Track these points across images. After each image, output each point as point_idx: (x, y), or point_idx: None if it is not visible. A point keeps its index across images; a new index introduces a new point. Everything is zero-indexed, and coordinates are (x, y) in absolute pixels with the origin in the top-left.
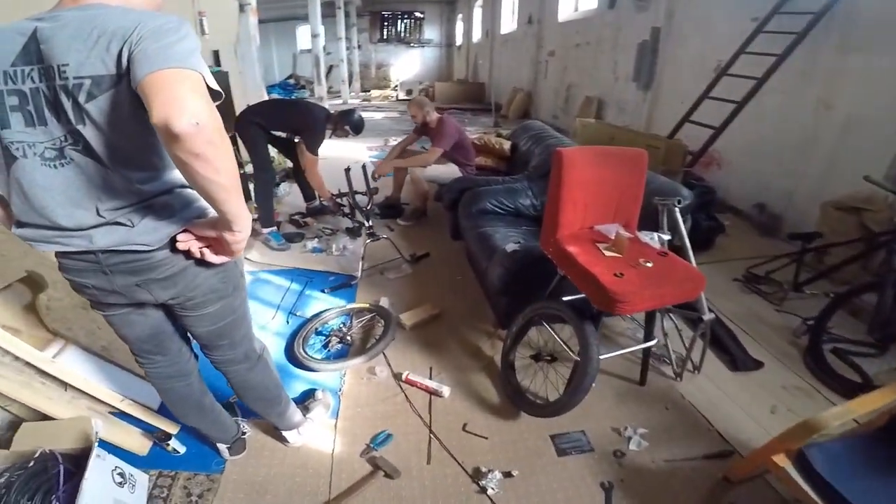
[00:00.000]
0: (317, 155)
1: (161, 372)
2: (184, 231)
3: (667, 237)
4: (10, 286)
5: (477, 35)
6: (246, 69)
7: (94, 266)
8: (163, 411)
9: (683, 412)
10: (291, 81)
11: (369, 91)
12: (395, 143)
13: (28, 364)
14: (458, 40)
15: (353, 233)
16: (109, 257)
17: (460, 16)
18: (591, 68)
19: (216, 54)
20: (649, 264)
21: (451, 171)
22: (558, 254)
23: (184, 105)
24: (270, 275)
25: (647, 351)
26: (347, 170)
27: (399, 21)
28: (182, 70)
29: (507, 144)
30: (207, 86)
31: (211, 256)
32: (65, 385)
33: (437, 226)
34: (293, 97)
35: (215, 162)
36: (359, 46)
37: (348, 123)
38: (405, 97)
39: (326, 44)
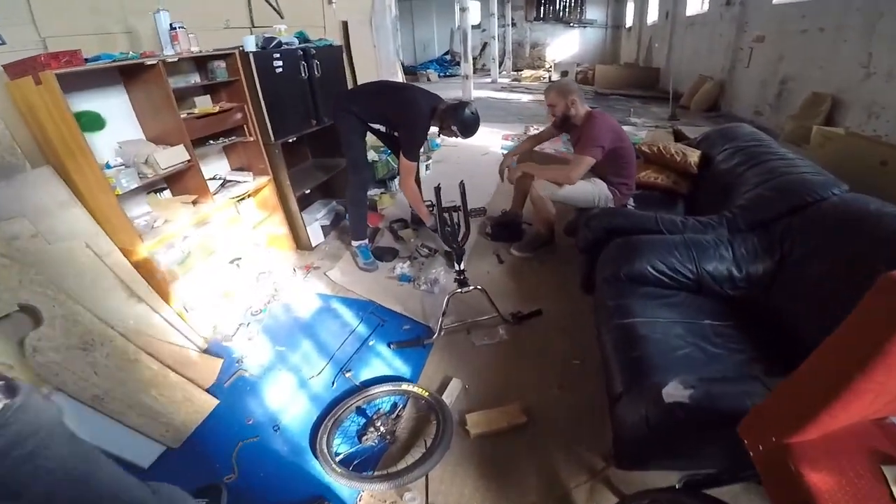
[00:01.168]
0: (414, 160)
1: None
2: None
3: None
4: (8, 317)
5: (653, 16)
6: (381, 43)
7: None
8: (153, 471)
9: None
10: (448, 57)
11: (521, 70)
12: (535, 131)
13: None
14: (628, 21)
15: (452, 259)
16: None
17: None
18: (823, 59)
19: (345, 25)
20: None
21: (594, 188)
22: (779, 469)
23: None
24: (342, 305)
25: None
26: (437, 189)
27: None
28: None
29: (693, 156)
30: None
31: None
32: None
33: (565, 265)
34: (447, 73)
35: None
36: (513, 24)
37: (456, 122)
38: (559, 79)
39: (481, 20)
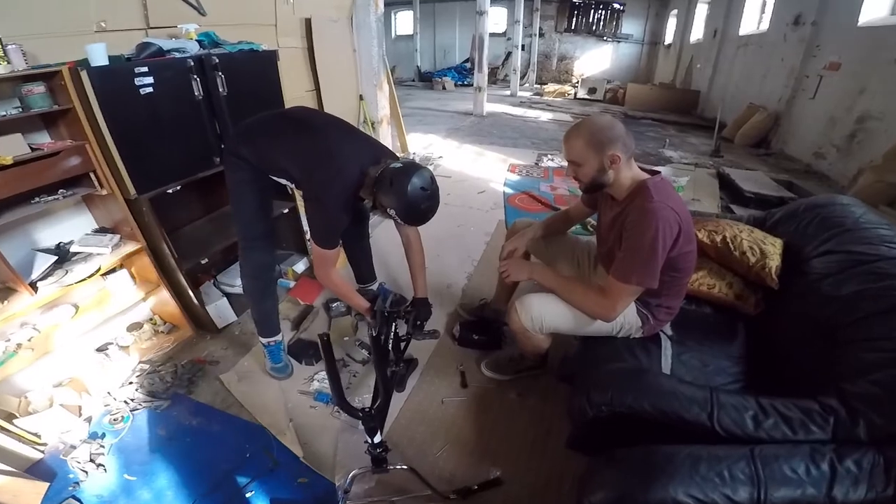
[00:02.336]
0: (329, 247)
1: None
2: None
3: None
4: None
5: (697, 34)
6: (362, 46)
7: None
8: None
9: None
10: (468, 65)
11: (545, 84)
12: (549, 163)
13: None
14: (668, 38)
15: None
16: None
17: (674, 11)
18: None
19: (308, 24)
20: None
21: None
22: None
23: None
24: (228, 428)
25: None
26: (323, 340)
27: (592, 11)
28: None
29: (774, 258)
30: None
31: None
32: None
33: (552, 402)
34: (465, 81)
35: None
36: (541, 34)
37: (394, 202)
38: (585, 96)
39: (507, 28)
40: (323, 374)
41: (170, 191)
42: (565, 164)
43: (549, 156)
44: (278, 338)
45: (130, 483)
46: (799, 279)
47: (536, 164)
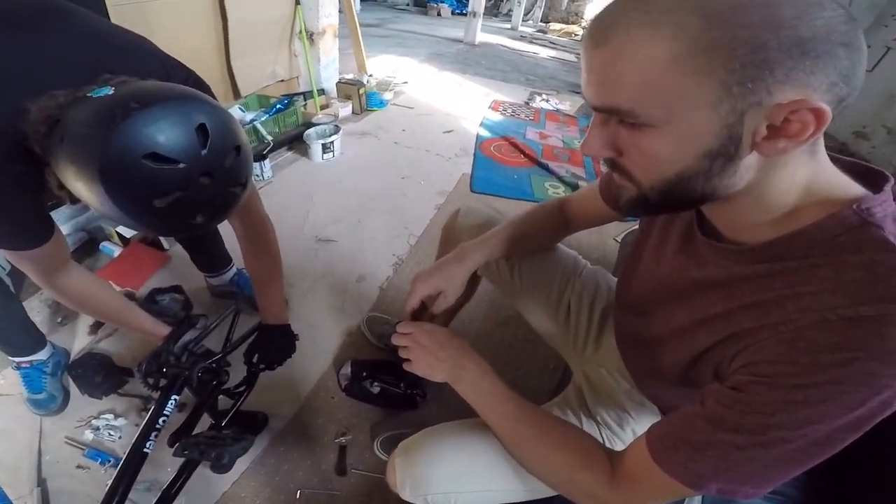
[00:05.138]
0: (16, 248)
1: None
2: None
3: None
4: None
5: None
6: None
7: None
8: None
9: None
10: None
11: (550, 23)
12: (543, 104)
13: None
14: None
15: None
16: None
17: None
18: None
19: None
20: None
21: None
22: None
23: None
24: None
25: None
26: None
27: None
28: None
29: None
30: None
31: None
32: None
33: None
34: (464, 10)
35: None
36: None
37: (76, 182)
38: None
39: None
40: (111, 417)
41: None
42: (566, 108)
43: (545, 95)
44: (40, 356)
45: None
46: None
47: (527, 103)
